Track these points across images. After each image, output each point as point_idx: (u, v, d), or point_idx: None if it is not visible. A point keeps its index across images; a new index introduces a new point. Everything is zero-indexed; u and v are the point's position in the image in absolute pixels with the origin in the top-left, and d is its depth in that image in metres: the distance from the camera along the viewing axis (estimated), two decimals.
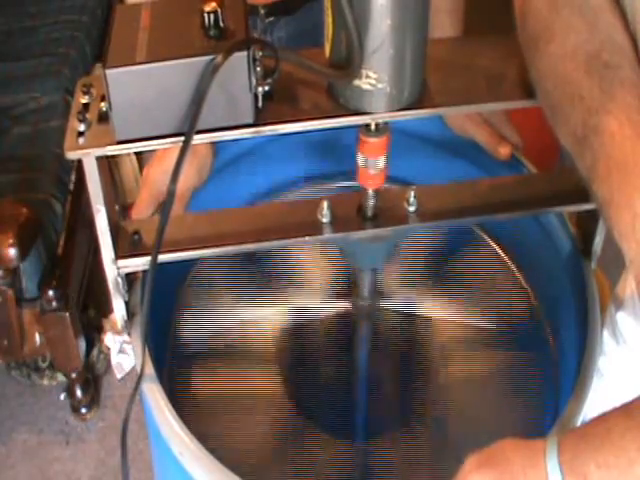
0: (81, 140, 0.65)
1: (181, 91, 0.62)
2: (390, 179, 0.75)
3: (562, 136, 0.61)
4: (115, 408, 1.70)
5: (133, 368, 1.69)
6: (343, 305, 0.96)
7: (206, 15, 0.62)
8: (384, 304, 0.94)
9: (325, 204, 0.77)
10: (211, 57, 0.61)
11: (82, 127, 0.66)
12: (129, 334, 0.80)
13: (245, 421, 0.88)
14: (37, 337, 1.45)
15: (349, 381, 0.94)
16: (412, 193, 0.78)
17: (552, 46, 0.61)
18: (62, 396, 1.70)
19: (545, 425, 0.77)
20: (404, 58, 0.64)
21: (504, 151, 0.94)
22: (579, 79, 0.58)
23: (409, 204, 0.78)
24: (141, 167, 1.85)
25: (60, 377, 1.71)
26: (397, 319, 0.97)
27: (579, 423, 0.76)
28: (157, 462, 0.88)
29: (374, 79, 0.64)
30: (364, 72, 0.64)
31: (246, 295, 0.97)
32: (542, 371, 0.93)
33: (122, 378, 1.74)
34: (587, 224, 0.86)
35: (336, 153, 1.01)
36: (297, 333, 0.98)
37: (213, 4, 0.62)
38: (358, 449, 0.91)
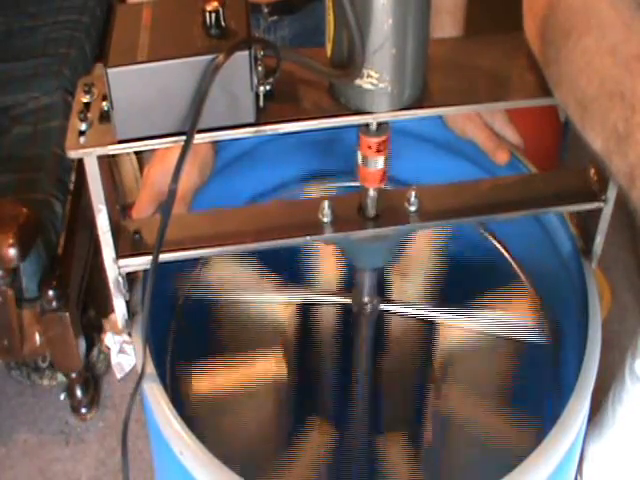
0: (82, 139, 0.65)
1: (182, 90, 0.62)
2: (391, 179, 0.75)
3: (594, 133, 0.58)
4: (115, 408, 1.70)
5: (133, 368, 1.70)
6: (344, 304, 0.96)
7: (207, 14, 0.62)
8: (384, 303, 0.94)
9: (326, 204, 0.76)
10: (212, 56, 0.61)
11: (83, 126, 0.66)
12: (130, 334, 0.80)
13: (246, 420, 0.88)
14: (37, 337, 1.45)
15: (351, 380, 0.94)
16: (413, 193, 0.78)
17: (587, 40, 0.59)
18: (62, 396, 1.70)
19: (545, 425, 0.77)
20: (405, 58, 0.64)
21: (502, 157, 0.95)
22: (619, 76, 0.56)
23: (410, 204, 0.78)
24: (141, 167, 1.85)
25: (60, 377, 1.70)
26: (397, 318, 0.97)
27: (578, 424, 0.77)
28: (157, 462, 0.88)
29: (375, 79, 0.64)
30: (365, 72, 0.64)
31: (247, 294, 0.97)
32: (542, 371, 0.93)
33: (122, 378, 1.74)
34: (587, 224, 0.86)
35: (337, 153, 1.01)
36: (298, 332, 0.98)
37: (215, 3, 0.62)
38: (360, 448, 0.91)
